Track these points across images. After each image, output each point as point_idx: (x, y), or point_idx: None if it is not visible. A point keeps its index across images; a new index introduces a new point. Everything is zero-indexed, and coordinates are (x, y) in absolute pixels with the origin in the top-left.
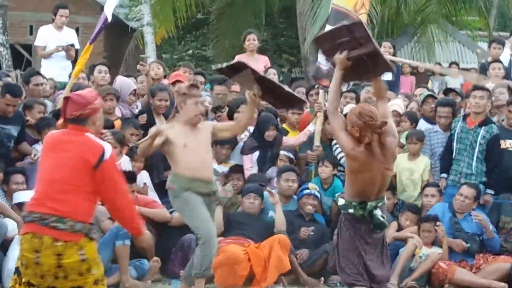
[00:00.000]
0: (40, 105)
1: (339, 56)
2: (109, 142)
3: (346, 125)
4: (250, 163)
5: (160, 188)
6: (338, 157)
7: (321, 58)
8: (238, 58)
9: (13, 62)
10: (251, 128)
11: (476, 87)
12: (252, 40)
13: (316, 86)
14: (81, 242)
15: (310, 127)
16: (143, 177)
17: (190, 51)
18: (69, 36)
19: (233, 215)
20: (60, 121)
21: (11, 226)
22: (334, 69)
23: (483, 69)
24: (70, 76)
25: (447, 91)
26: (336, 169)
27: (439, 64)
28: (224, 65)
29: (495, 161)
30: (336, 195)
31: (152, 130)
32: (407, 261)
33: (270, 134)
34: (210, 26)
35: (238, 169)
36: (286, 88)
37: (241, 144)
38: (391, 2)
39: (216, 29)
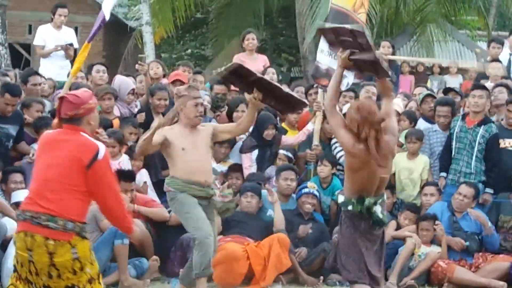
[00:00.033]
0: (38, 103)
1: (341, 55)
2: (104, 141)
3: (345, 123)
4: (249, 162)
5: (158, 187)
6: (337, 156)
7: (320, 57)
8: (236, 57)
9: (12, 61)
10: (250, 127)
11: (475, 86)
12: (251, 40)
13: (315, 86)
14: (73, 241)
15: (309, 126)
16: (143, 176)
17: (189, 51)
18: (68, 35)
19: (232, 214)
20: (55, 121)
21: (11, 225)
22: (333, 64)
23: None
24: (69, 75)
25: (447, 90)
26: (335, 168)
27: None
28: (223, 68)
29: (494, 160)
30: (336, 192)
31: (154, 123)
32: (406, 260)
33: (269, 133)
34: (209, 25)
35: (237, 168)
36: (285, 89)
37: (240, 143)
38: (390, 2)
39: (215, 29)
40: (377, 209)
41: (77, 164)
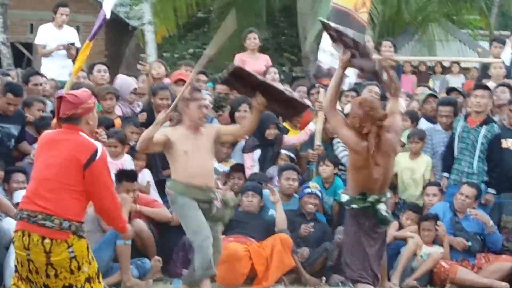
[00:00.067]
0: (39, 102)
1: (342, 57)
2: (103, 141)
3: (346, 122)
4: (251, 162)
5: (159, 186)
6: (339, 156)
7: (321, 56)
8: (238, 56)
9: (14, 60)
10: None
11: (477, 86)
12: (253, 39)
13: (317, 85)
14: (69, 240)
15: (311, 126)
16: (146, 175)
17: (191, 50)
18: (70, 34)
19: (233, 214)
20: (54, 120)
21: (14, 226)
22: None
23: (484, 68)
24: (70, 74)
25: (450, 90)
26: (337, 168)
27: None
28: (225, 72)
29: (496, 161)
30: (340, 191)
31: (160, 116)
32: (408, 261)
33: (271, 132)
34: (211, 24)
35: (239, 168)
36: (288, 92)
37: (242, 143)
38: (392, 1)
39: (216, 28)
40: (381, 207)
41: (74, 163)
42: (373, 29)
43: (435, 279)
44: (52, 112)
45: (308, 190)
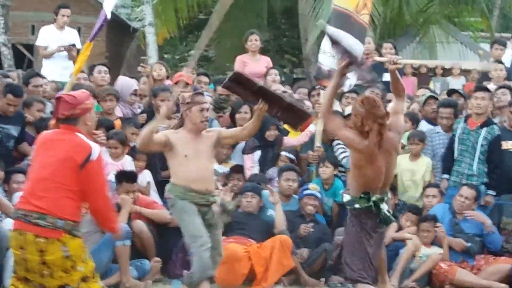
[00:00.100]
0: (39, 103)
1: (339, 66)
2: (101, 143)
3: (345, 123)
4: (250, 163)
5: (157, 187)
6: (339, 157)
7: (322, 58)
8: (239, 58)
9: (15, 62)
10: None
11: (478, 88)
12: (254, 41)
13: (317, 87)
14: (63, 239)
15: (311, 128)
16: (146, 176)
17: (192, 52)
18: (71, 36)
19: (233, 215)
20: (53, 121)
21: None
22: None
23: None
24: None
25: (451, 92)
26: (337, 170)
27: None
28: (226, 79)
29: (496, 162)
30: (341, 192)
31: (163, 109)
32: (407, 262)
33: (271, 133)
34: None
35: (238, 169)
36: (288, 98)
37: (242, 144)
38: (393, 3)
39: (218, 30)
40: (384, 206)
41: (70, 163)
42: (374, 31)
43: (434, 281)
44: (52, 113)
45: (307, 191)
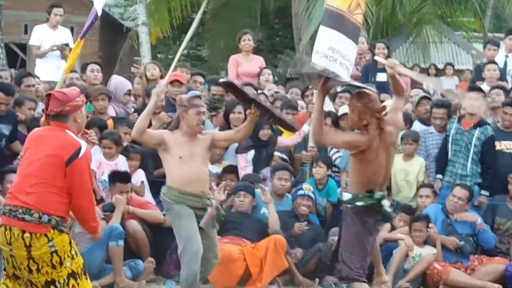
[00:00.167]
0: (30, 101)
1: (317, 88)
2: (93, 142)
3: (338, 131)
4: (244, 162)
5: (150, 187)
6: (333, 157)
7: (315, 58)
8: (233, 58)
9: (8, 61)
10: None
11: (471, 89)
12: (247, 40)
13: (310, 87)
14: (49, 234)
15: (305, 128)
16: (140, 176)
17: (185, 51)
18: (64, 35)
19: (227, 215)
20: (43, 118)
21: None
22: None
23: (478, 71)
24: None
25: None
26: (331, 170)
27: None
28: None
29: (489, 163)
30: (339, 190)
31: (156, 90)
32: (400, 262)
33: (264, 133)
34: (205, 26)
35: (231, 169)
36: (277, 112)
37: (235, 144)
38: (387, 3)
39: (211, 29)
40: (386, 203)
41: (56, 159)
42: (367, 31)
43: (428, 281)
44: (43, 111)
45: (301, 192)
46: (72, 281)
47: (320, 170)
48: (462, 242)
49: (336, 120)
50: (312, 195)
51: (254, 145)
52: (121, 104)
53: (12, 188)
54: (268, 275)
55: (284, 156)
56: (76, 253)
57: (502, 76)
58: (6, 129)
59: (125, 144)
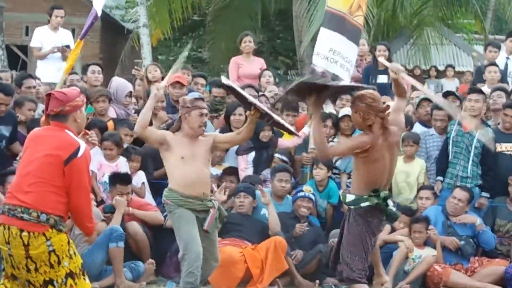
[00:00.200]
0: (30, 102)
1: (311, 108)
2: (93, 143)
3: (342, 141)
4: (244, 164)
5: (150, 188)
6: (333, 159)
7: (316, 60)
8: (233, 60)
9: (9, 63)
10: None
11: (472, 90)
12: (248, 42)
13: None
14: (47, 233)
15: (306, 130)
16: (140, 177)
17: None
18: (65, 37)
19: (227, 217)
20: (43, 118)
21: None
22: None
23: (479, 73)
24: None
25: (447, 94)
26: (331, 171)
27: (435, 67)
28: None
29: (490, 165)
30: (342, 191)
31: (154, 89)
32: (400, 264)
33: (265, 134)
34: (206, 28)
35: (231, 171)
36: (276, 116)
37: (235, 146)
38: (387, 5)
39: (212, 31)
40: (390, 202)
41: (55, 159)
42: (368, 33)
43: (428, 283)
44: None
45: (301, 193)
46: (70, 281)
47: (320, 172)
48: (462, 242)
49: (337, 122)
50: (312, 196)
51: (254, 146)
52: (122, 106)
53: (11, 187)
54: (268, 276)
55: (284, 158)
56: (74, 253)
57: (503, 78)
58: (6, 130)
59: (125, 145)
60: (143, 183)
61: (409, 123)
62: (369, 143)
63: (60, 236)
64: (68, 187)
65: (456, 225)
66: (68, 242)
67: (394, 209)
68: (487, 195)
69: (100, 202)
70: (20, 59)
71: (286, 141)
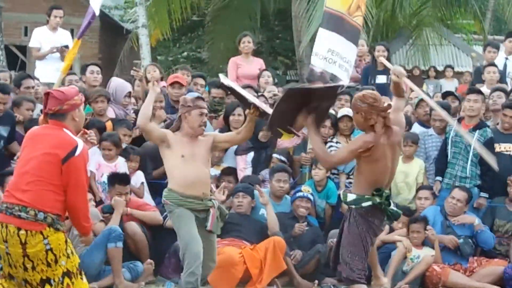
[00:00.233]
0: (28, 102)
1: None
2: (92, 142)
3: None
4: (243, 164)
5: (148, 188)
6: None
7: (314, 60)
8: (232, 60)
9: (8, 63)
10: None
11: (471, 91)
12: (247, 43)
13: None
14: (45, 232)
15: (305, 130)
16: (139, 177)
17: (185, 53)
18: (64, 37)
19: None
20: (41, 116)
21: None
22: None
23: (478, 73)
24: None
25: (446, 94)
26: (330, 172)
27: (434, 67)
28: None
29: (489, 165)
30: (342, 191)
31: (150, 86)
32: (399, 264)
33: (264, 134)
34: (205, 28)
35: (229, 171)
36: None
37: (234, 146)
38: (387, 5)
39: (211, 31)
40: (391, 202)
41: (53, 157)
42: (367, 33)
43: (427, 283)
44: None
45: (300, 193)
46: (67, 280)
47: (319, 172)
48: (461, 240)
49: (336, 122)
50: (311, 197)
51: (253, 146)
52: (121, 106)
53: (9, 186)
54: (267, 276)
55: (282, 158)
56: (72, 252)
57: (502, 79)
58: (4, 131)
59: (124, 145)
60: (142, 183)
61: (408, 123)
62: (372, 142)
63: (58, 235)
64: (66, 185)
65: (455, 225)
66: (66, 241)
67: (395, 208)
68: (486, 195)
69: (99, 202)
70: (19, 59)
71: (285, 141)
